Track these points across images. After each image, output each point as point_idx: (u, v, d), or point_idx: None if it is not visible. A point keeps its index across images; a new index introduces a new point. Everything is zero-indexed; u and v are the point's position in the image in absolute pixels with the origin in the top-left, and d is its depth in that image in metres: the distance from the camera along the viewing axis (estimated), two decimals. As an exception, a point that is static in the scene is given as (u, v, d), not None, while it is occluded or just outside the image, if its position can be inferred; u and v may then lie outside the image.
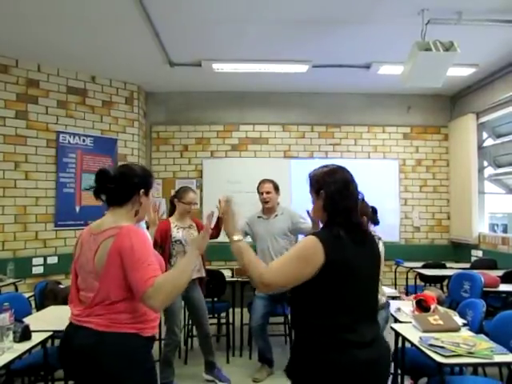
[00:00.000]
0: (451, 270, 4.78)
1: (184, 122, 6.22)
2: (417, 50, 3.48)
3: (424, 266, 5.13)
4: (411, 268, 5.19)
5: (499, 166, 5.82)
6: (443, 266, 5.15)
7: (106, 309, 1.59)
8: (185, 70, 5.15)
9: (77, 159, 5.20)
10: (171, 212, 3.49)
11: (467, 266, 5.10)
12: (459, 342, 2.18)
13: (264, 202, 3.74)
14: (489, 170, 6.03)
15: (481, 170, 5.95)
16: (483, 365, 2.50)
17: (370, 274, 1.69)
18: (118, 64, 5.05)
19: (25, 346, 2.16)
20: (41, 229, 4.89)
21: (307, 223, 3.60)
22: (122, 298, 1.60)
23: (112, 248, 1.59)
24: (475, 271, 4.13)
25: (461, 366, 2.51)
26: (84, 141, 5.27)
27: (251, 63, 4.97)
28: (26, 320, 2.43)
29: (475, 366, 2.61)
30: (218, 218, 3.45)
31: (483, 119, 5.78)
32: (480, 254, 5.67)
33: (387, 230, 6.06)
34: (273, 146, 6.26)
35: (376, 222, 2.92)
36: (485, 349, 2.12)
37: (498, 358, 2.08)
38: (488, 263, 5.02)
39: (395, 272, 5.75)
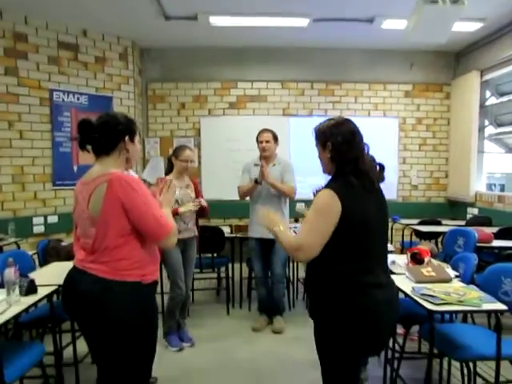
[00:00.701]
0: (446, 226, 4.86)
1: (180, 79, 6.10)
2: (422, 2, 3.37)
3: (420, 223, 5.23)
4: (407, 225, 5.29)
5: (500, 125, 5.79)
6: (439, 223, 5.25)
7: (106, 256, 1.64)
8: (180, 24, 4.99)
9: (72, 118, 5.13)
10: (169, 171, 3.49)
11: (462, 223, 5.19)
12: (450, 291, 2.26)
13: (262, 150, 3.75)
14: (489, 130, 5.99)
15: (481, 129, 5.91)
16: (472, 312, 2.61)
17: (381, 221, 1.77)
18: (110, 17, 4.85)
19: (31, 299, 2.22)
20: (39, 189, 4.90)
21: (288, 183, 3.68)
22: (118, 244, 1.64)
23: (108, 194, 1.61)
24: (470, 228, 4.20)
25: (450, 313, 2.62)
26: (78, 99, 5.19)
27: (249, 16, 4.81)
28: (31, 276, 2.48)
29: (464, 313, 2.72)
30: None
31: (487, 77, 5.67)
32: (476, 211, 5.76)
33: (385, 188, 6.09)
34: (271, 103, 6.19)
35: (382, 179, 2.86)
36: (474, 298, 2.20)
37: (486, 307, 2.16)
38: (483, 220, 5.11)
39: (392, 229, 5.83)
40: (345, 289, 1.63)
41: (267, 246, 3.77)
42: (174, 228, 1.74)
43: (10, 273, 2.10)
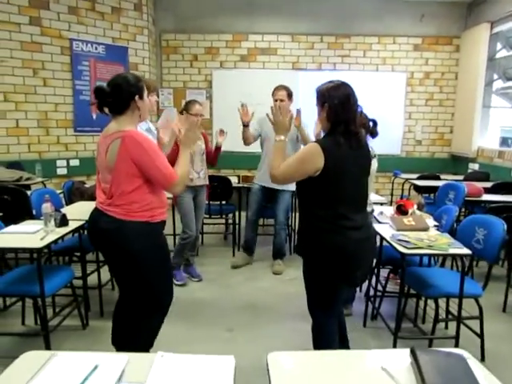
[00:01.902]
0: (444, 181, 5.07)
1: (193, 30, 6.21)
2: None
3: (419, 178, 5.44)
4: (407, 179, 5.52)
5: (509, 79, 5.75)
6: (437, 178, 5.47)
7: (120, 200, 1.97)
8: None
9: (90, 67, 5.37)
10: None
11: (461, 178, 5.39)
12: (423, 238, 2.58)
13: None
14: (498, 84, 5.96)
15: (490, 83, 5.91)
16: (438, 255, 2.95)
17: (362, 173, 2.06)
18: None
19: (64, 230, 2.62)
20: (62, 133, 5.26)
21: (308, 138, 3.85)
22: (130, 190, 1.96)
23: (121, 150, 1.91)
24: (464, 182, 4.44)
25: (420, 256, 2.95)
26: (96, 48, 5.39)
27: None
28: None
29: (431, 256, 3.04)
30: (216, 148, 3.88)
31: (498, 29, 5.62)
32: (476, 167, 5.92)
33: (389, 143, 6.33)
34: (281, 56, 6.28)
35: (374, 134, 3.00)
36: (443, 243, 2.51)
37: (452, 251, 2.47)
38: (481, 176, 5.30)
39: (393, 183, 6.10)
40: (324, 230, 1.96)
41: (270, 195, 4.07)
42: (178, 178, 2.01)
43: (47, 207, 2.49)
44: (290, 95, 3.94)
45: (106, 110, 2.02)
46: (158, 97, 6.07)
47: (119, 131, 1.94)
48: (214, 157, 3.93)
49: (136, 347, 2.13)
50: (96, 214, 2.07)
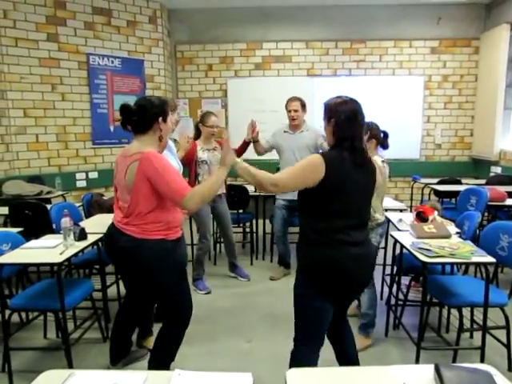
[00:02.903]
0: (466, 185, 4.96)
1: (207, 40, 6.28)
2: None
3: (439, 182, 5.33)
4: (426, 184, 5.42)
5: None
6: (458, 182, 5.35)
7: (138, 219, 2.01)
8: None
9: (107, 80, 5.47)
10: (197, 136, 3.79)
11: (483, 182, 5.27)
12: (445, 245, 2.51)
13: (291, 119, 3.95)
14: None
15: (511, 84, 5.80)
16: (461, 264, 2.85)
17: (364, 190, 2.00)
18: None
19: (83, 244, 2.65)
20: (80, 147, 5.36)
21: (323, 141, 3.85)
22: (148, 211, 2.00)
23: (138, 171, 1.95)
24: (486, 187, 4.33)
25: (442, 264, 2.87)
26: (112, 62, 5.48)
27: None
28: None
29: (453, 264, 2.96)
30: (245, 142, 3.89)
31: (519, 29, 5.50)
32: (499, 170, 5.78)
33: (408, 147, 6.25)
34: (296, 63, 6.28)
35: (385, 146, 3.01)
36: (466, 251, 2.44)
37: (475, 259, 2.40)
38: (504, 179, 5.17)
39: (412, 188, 6.01)
40: (320, 242, 1.90)
41: (292, 208, 4.04)
42: (189, 193, 1.94)
43: (66, 221, 2.53)
44: (303, 106, 3.96)
45: (129, 127, 2.07)
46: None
47: (139, 152, 1.98)
48: (239, 152, 3.84)
49: (158, 362, 2.16)
50: (114, 231, 2.10)
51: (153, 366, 2.20)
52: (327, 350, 2.14)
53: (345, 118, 1.89)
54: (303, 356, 2.05)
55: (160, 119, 2.06)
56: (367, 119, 2.05)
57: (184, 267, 2.28)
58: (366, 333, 2.92)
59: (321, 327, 2.03)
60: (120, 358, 2.49)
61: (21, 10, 4.73)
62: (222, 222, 3.91)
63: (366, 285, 2.14)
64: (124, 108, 2.03)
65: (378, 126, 2.92)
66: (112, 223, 2.14)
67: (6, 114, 4.72)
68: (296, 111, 3.89)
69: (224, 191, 3.89)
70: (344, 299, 2.08)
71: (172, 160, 2.98)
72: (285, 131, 4.04)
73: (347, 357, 2.22)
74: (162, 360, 2.20)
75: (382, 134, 2.91)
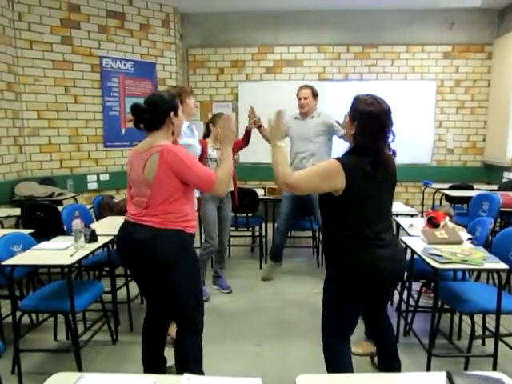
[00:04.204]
0: (478, 191, 4.91)
1: (219, 44, 6.30)
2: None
3: (451, 188, 5.29)
4: (438, 189, 5.37)
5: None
6: (470, 188, 5.29)
7: (157, 210, 2.00)
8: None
9: (119, 83, 5.51)
10: (206, 135, 3.81)
11: (496, 188, 5.21)
12: (457, 252, 2.48)
13: (300, 107, 3.92)
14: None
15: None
16: (473, 270, 2.81)
17: (387, 194, 1.99)
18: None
19: (93, 246, 2.67)
20: (92, 149, 5.40)
21: (339, 127, 3.78)
22: (169, 202, 2.00)
23: (160, 163, 1.95)
24: (499, 192, 4.28)
25: (454, 271, 2.82)
26: (125, 65, 5.53)
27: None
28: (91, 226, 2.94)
29: (464, 270, 2.91)
30: (247, 130, 3.82)
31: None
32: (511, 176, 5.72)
33: (419, 152, 6.20)
34: (307, 68, 6.27)
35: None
36: (478, 257, 2.41)
37: (487, 266, 2.37)
38: (517, 185, 5.12)
39: (423, 193, 5.95)
40: (351, 248, 1.89)
41: (302, 200, 3.99)
42: (218, 179, 2.02)
43: (77, 223, 2.54)
44: (314, 94, 3.92)
45: (142, 126, 2.09)
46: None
47: (156, 146, 2.00)
48: (244, 141, 3.87)
49: (189, 367, 2.08)
50: (129, 226, 2.08)
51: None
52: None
53: (369, 126, 1.82)
54: (335, 349, 2.05)
55: (172, 114, 2.08)
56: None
57: (199, 265, 2.27)
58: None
59: (350, 326, 2.04)
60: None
61: (36, 12, 4.80)
62: (221, 222, 3.85)
63: (398, 283, 2.14)
64: (135, 107, 2.06)
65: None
66: (125, 220, 2.13)
67: (20, 116, 4.79)
68: (306, 98, 3.87)
69: (232, 189, 3.85)
70: (379, 300, 2.07)
71: (194, 141, 3.08)
72: (296, 118, 4.01)
73: (389, 353, 2.22)
74: (195, 366, 2.13)
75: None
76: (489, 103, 6.21)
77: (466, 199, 5.05)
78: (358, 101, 1.90)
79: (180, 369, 2.14)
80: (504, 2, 5.68)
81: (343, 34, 6.16)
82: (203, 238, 3.83)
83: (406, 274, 3.10)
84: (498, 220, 4.37)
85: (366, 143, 1.84)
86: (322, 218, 2.04)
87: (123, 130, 5.57)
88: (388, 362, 2.27)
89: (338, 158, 1.90)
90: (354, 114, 1.88)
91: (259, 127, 3.85)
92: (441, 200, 5.35)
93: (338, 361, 2.04)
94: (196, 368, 2.14)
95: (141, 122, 2.07)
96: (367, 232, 1.88)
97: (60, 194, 4.53)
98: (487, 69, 6.15)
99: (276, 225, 4.31)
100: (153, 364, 2.28)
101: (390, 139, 1.92)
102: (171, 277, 2.04)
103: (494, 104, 6.08)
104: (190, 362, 2.15)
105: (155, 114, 2.04)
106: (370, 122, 1.82)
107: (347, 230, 1.89)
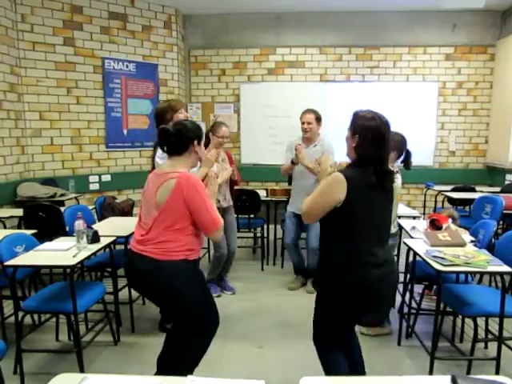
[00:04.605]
0: (480, 193, 4.91)
1: (221, 45, 6.30)
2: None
3: (453, 190, 5.28)
4: (440, 191, 5.36)
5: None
6: (472, 190, 5.29)
7: (160, 236, 2.00)
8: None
9: (122, 84, 5.51)
10: (206, 145, 3.78)
11: (498, 190, 5.20)
12: (460, 254, 2.47)
13: (304, 131, 3.85)
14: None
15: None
16: (476, 273, 2.77)
17: (386, 204, 1.97)
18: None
19: (96, 246, 2.66)
20: (94, 150, 5.40)
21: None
22: (174, 228, 2.01)
23: (175, 189, 1.97)
24: (501, 195, 4.27)
25: (457, 273, 2.81)
26: (127, 66, 5.53)
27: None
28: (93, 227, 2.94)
29: (468, 273, 2.89)
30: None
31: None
32: (514, 178, 5.70)
33: (421, 154, 6.17)
34: (309, 69, 6.27)
35: (408, 167, 2.83)
36: (482, 260, 2.40)
37: (491, 269, 2.36)
38: (519, 187, 5.11)
39: (425, 195, 5.95)
40: (343, 266, 1.87)
41: (302, 222, 3.98)
42: (221, 223, 2.08)
43: (80, 224, 2.54)
44: (318, 119, 3.84)
45: (165, 148, 2.14)
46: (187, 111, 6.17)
47: (174, 171, 2.03)
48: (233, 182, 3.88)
49: (182, 368, 2.08)
50: (132, 256, 2.10)
51: (179, 373, 2.13)
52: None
53: (371, 139, 1.83)
54: (330, 361, 2.05)
55: (195, 142, 2.12)
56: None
57: (205, 281, 2.29)
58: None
59: (342, 333, 2.05)
60: None
61: (38, 14, 4.81)
62: (226, 232, 3.84)
63: (390, 302, 2.13)
64: (163, 131, 2.11)
65: (405, 139, 2.83)
66: (129, 249, 2.15)
67: (22, 117, 4.79)
68: (310, 124, 3.79)
69: (231, 203, 3.85)
70: (367, 313, 2.08)
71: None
72: (298, 144, 3.98)
73: (353, 360, 2.17)
74: (187, 368, 2.12)
75: (405, 151, 2.80)
76: (491, 105, 6.19)
77: (469, 201, 5.04)
78: (357, 116, 1.91)
79: (183, 361, 2.15)
80: (507, 4, 5.67)
81: (345, 36, 6.16)
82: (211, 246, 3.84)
83: (408, 276, 3.13)
84: (501, 222, 4.36)
85: (368, 154, 1.84)
86: (320, 234, 2.01)
87: (125, 131, 5.58)
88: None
89: (340, 171, 1.89)
90: (355, 128, 1.89)
91: (296, 164, 3.83)
92: (443, 202, 5.34)
93: (332, 366, 2.03)
94: (192, 368, 2.16)
95: (166, 145, 2.13)
96: (362, 245, 1.86)
97: (62, 195, 4.54)
98: (490, 70, 6.14)
99: (285, 242, 4.26)
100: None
101: (400, 160, 1.94)
102: (180, 300, 2.08)
103: (497, 106, 6.07)
104: (191, 361, 2.16)
105: (180, 139, 2.10)
106: (371, 133, 1.83)
107: (342, 244, 1.88)
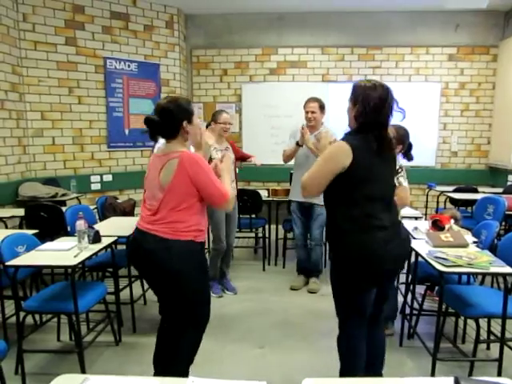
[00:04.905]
0: (482, 194, 4.89)
1: (223, 45, 6.30)
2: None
3: (455, 190, 5.27)
4: (442, 192, 5.34)
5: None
6: (475, 191, 5.27)
7: (166, 217, 1.99)
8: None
9: (123, 84, 5.51)
10: None
11: (500, 191, 5.18)
12: (462, 255, 2.46)
13: (308, 120, 3.83)
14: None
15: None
16: (479, 274, 2.79)
17: (390, 174, 2.03)
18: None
19: (97, 246, 2.66)
20: (96, 150, 5.40)
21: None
22: (181, 208, 1.99)
23: (179, 169, 1.95)
24: (504, 196, 4.26)
25: (459, 274, 2.81)
26: (129, 66, 5.53)
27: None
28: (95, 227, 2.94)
29: (470, 274, 2.89)
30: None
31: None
32: (516, 179, 5.69)
33: (423, 154, 6.16)
34: (311, 69, 6.27)
35: (409, 158, 2.89)
36: (484, 261, 2.39)
37: (493, 270, 2.34)
38: (521, 188, 5.09)
39: (427, 195, 5.93)
40: (349, 230, 1.91)
41: (306, 210, 3.98)
42: (231, 195, 2.07)
43: (81, 224, 2.54)
44: (321, 107, 3.85)
45: (159, 136, 2.10)
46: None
47: (175, 151, 2.00)
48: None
49: (177, 365, 2.12)
50: (139, 235, 2.08)
51: (174, 371, 2.10)
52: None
53: (373, 106, 1.84)
54: (351, 336, 2.07)
55: (184, 123, 2.04)
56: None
57: (207, 272, 2.28)
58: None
59: (363, 303, 2.02)
60: None
61: (40, 13, 4.81)
62: (228, 225, 3.85)
63: (401, 265, 2.13)
64: (148, 121, 2.03)
65: (408, 132, 2.86)
66: (136, 228, 2.12)
67: (24, 117, 4.79)
68: (313, 113, 3.79)
69: (235, 192, 3.84)
70: (375, 279, 2.01)
71: None
72: (304, 126, 3.96)
73: (374, 353, 2.17)
74: (180, 366, 2.14)
75: (407, 143, 2.83)
76: (494, 106, 6.18)
77: (471, 202, 5.03)
78: (357, 85, 1.94)
79: (179, 360, 2.14)
80: (510, 4, 5.65)
81: (347, 36, 6.15)
82: (211, 239, 3.83)
83: (410, 277, 3.11)
84: (503, 223, 4.34)
85: (368, 119, 1.86)
86: (324, 199, 2.04)
87: (127, 131, 5.58)
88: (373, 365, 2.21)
89: (342, 139, 1.92)
90: (355, 97, 1.91)
91: (301, 145, 3.83)
92: (445, 203, 5.33)
93: (351, 344, 2.05)
94: (191, 360, 2.17)
95: (156, 134, 2.07)
96: (367, 208, 1.89)
97: (63, 195, 4.54)
98: (492, 71, 6.12)
99: (294, 238, 4.26)
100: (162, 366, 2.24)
101: (399, 118, 1.95)
102: (182, 283, 2.04)
103: (499, 107, 6.05)
104: (190, 355, 2.17)
105: (168, 124, 2.02)
106: (371, 99, 1.84)
107: (347, 208, 1.91)
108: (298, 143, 3.82)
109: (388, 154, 1.98)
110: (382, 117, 1.87)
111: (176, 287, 2.05)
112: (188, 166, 1.95)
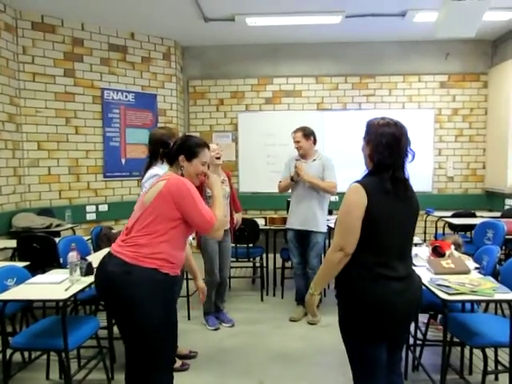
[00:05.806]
0: (481, 218, 4.86)
1: (219, 76, 6.40)
2: (449, -2, 3.45)
3: (454, 215, 5.24)
4: (440, 217, 5.31)
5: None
6: (473, 215, 5.24)
7: (136, 239, 1.93)
8: (219, 25, 5.29)
9: (120, 114, 5.55)
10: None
11: (498, 215, 5.16)
12: (465, 282, 2.40)
13: (296, 149, 3.94)
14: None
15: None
16: (483, 301, 2.66)
17: (407, 222, 1.87)
18: (155, 20, 5.24)
19: (89, 279, 2.56)
20: (92, 179, 5.38)
21: (328, 180, 3.79)
22: (151, 231, 1.93)
23: (163, 189, 1.94)
24: (503, 220, 4.22)
25: (463, 302, 2.73)
26: (126, 97, 5.59)
27: (284, 16, 5.01)
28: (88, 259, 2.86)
29: (474, 302, 2.81)
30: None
31: (526, 65, 5.56)
32: (513, 203, 5.67)
33: (419, 180, 6.16)
34: (306, 98, 6.35)
35: None
36: (488, 288, 2.32)
37: (498, 297, 2.28)
38: (519, 212, 5.06)
39: (425, 221, 5.88)
40: (361, 278, 1.78)
41: (304, 238, 3.93)
42: (218, 221, 2.02)
43: (73, 256, 2.48)
44: (306, 135, 3.88)
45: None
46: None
47: (167, 175, 2.05)
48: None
49: None
50: (107, 257, 2.01)
51: None
52: None
53: (385, 144, 1.76)
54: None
55: (181, 157, 2.11)
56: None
57: (174, 305, 2.20)
58: None
59: (376, 359, 1.87)
60: None
61: (40, 46, 4.89)
62: (221, 257, 3.77)
63: (410, 321, 2.01)
64: (163, 143, 2.23)
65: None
66: (108, 251, 2.05)
67: (20, 147, 4.78)
68: (298, 142, 3.88)
69: (228, 226, 3.79)
70: (384, 333, 1.87)
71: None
72: (297, 159, 3.99)
73: None
74: None
75: None
76: (487, 131, 6.25)
77: (469, 227, 4.99)
78: (371, 123, 1.86)
79: None
80: (497, 33, 5.82)
81: (341, 65, 6.27)
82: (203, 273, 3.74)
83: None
84: (503, 248, 4.29)
85: (383, 160, 1.77)
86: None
87: (123, 161, 5.57)
88: None
89: (356, 181, 1.82)
90: (369, 136, 1.83)
91: (295, 181, 3.87)
92: (443, 228, 5.28)
93: None
94: None
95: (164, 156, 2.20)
96: (382, 258, 1.78)
97: (58, 225, 4.47)
98: (484, 97, 6.23)
99: (292, 267, 4.21)
100: None
101: (409, 159, 1.87)
102: (135, 311, 1.91)
103: (492, 132, 6.11)
104: None
105: (168, 151, 2.17)
106: (385, 138, 1.77)
107: (360, 256, 1.79)
108: (292, 179, 3.85)
109: (408, 198, 1.84)
110: (395, 156, 1.78)
111: (129, 315, 1.93)
112: (174, 188, 1.94)
